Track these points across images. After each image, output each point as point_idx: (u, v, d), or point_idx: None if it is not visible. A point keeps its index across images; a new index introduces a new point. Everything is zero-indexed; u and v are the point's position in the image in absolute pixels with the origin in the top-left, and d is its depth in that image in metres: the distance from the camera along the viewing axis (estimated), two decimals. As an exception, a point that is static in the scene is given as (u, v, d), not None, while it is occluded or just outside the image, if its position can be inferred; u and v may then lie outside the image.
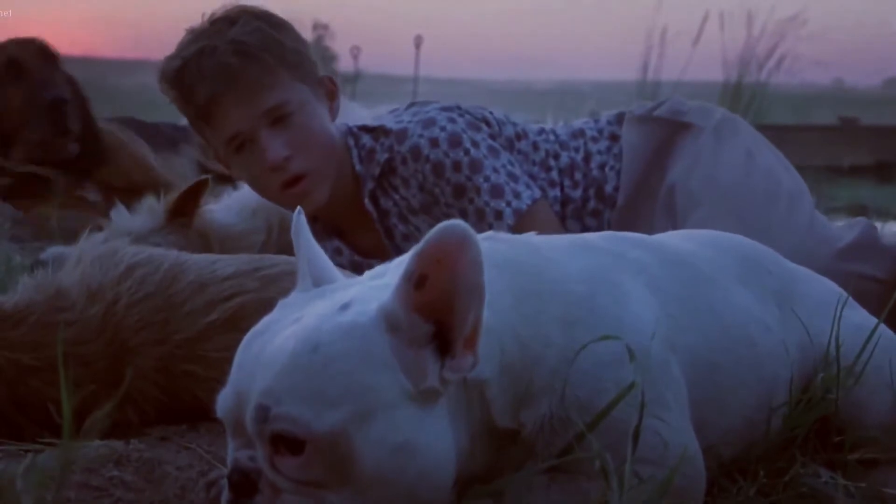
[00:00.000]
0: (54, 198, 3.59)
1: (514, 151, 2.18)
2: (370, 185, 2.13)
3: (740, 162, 2.17)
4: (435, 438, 1.04)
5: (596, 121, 2.34)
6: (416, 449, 1.02)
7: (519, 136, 2.21)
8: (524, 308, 1.14)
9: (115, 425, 1.39)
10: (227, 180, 2.86)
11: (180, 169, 3.83)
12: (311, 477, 1.01)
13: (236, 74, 1.99)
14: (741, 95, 9.10)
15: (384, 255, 2.20)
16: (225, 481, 1.07)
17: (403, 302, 1.02)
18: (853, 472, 1.32)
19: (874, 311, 1.55)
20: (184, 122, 2.41)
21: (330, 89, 2.14)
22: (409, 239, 2.17)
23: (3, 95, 3.57)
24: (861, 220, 2.20)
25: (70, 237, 2.64)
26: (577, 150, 2.25)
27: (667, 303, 1.26)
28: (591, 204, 2.21)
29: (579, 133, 2.28)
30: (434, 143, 2.06)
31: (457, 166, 2.06)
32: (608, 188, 2.21)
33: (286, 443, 1.00)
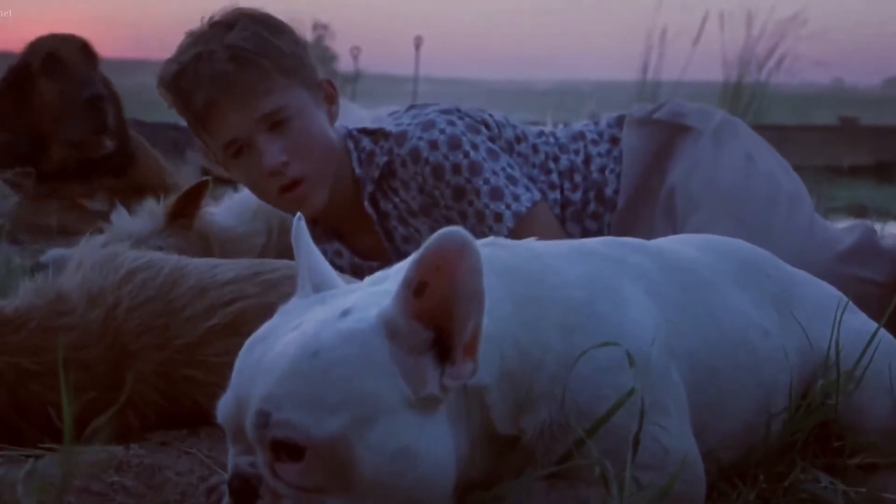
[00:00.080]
0: (54, 202, 3.58)
1: (513, 154, 2.18)
2: (370, 187, 2.13)
3: (740, 165, 2.17)
4: (435, 445, 1.04)
5: (596, 123, 2.34)
6: (416, 455, 1.02)
7: (518, 139, 2.21)
8: (524, 314, 1.14)
9: (115, 430, 1.39)
10: (227, 182, 2.86)
11: (186, 177, 3.81)
12: (312, 483, 1.01)
13: (233, 80, 1.99)
14: (741, 95, 9.11)
15: (384, 258, 2.20)
16: (225, 487, 1.07)
17: (403, 309, 1.02)
18: (853, 476, 1.32)
19: (873, 315, 1.55)
20: (184, 123, 2.42)
21: (329, 93, 2.14)
22: (409, 241, 2.17)
23: (39, 88, 3.55)
24: (861, 223, 2.21)
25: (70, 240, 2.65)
26: (576, 152, 2.25)
27: (666, 308, 1.26)
28: (591, 207, 2.21)
29: (579, 136, 2.28)
30: (433, 145, 2.06)
31: (456, 169, 2.06)
32: (608, 191, 2.21)
33: (286, 449, 1.01)
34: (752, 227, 2.04)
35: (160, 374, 1.51)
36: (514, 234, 2.03)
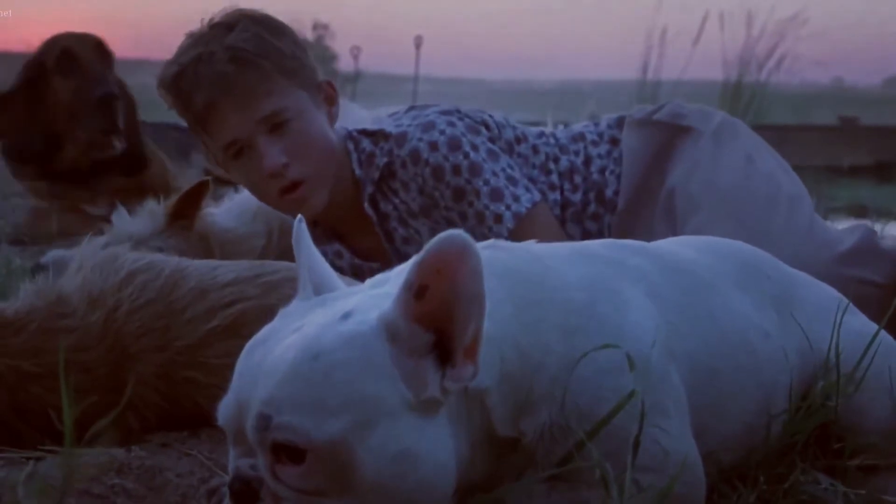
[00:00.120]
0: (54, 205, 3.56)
1: (513, 155, 2.18)
2: (370, 188, 2.13)
3: (740, 166, 2.17)
4: (435, 447, 1.04)
5: (596, 124, 2.34)
6: (417, 458, 1.02)
7: (519, 140, 2.21)
8: (524, 317, 1.15)
9: (116, 431, 1.39)
10: (229, 183, 2.85)
11: (190, 179, 3.78)
12: (312, 486, 1.01)
13: (233, 82, 1.99)
14: (741, 95, 9.11)
15: (384, 259, 2.20)
16: (226, 489, 1.07)
17: (404, 312, 1.02)
18: (853, 478, 1.32)
19: (873, 316, 1.55)
20: (185, 124, 2.41)
21: (329, 94, 2.14)
22: (410, 242, 2.17)
23: (53, 86, 3.51)
24: (861, 224, 2.21)
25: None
26: (577, 153, 2.25)
27: (666, 310, 1.26)
28: (592, 208, 2.21)
29: (579, 137, 2.29)
30: (433, 146, 2.06)
31: (456, 170, 2.06)
32: (608, 192, 2.21)
33: (287, 452, 1.01)
34: (752, 227, 2.04)
35: (161, 376, 1.52)
36: (514, 234, 2.03)
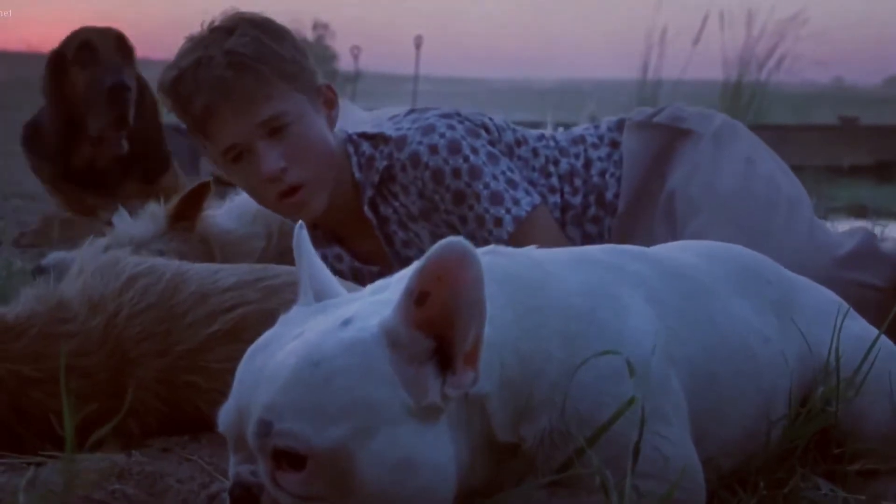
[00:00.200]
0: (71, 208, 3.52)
1: (513, 157, 2.18)
2: (369, 192, 2.13)
3: (740, 169, 2.17)
4: (436, 454, 1.04)
5: (596, 127, 2.34)
6: (417, 464, 1.02)
7: (519, 142, 2.21)
8: (525, 322, 1.15)
9: (117, 437, 1.39)
10: (231, 184, 2.83)
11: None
12: (313, 492, 1.02)
13: (232, 86, 1.99)
14: (741, 95, 9.12)
15: (384, 262, 2.20)
16: (226, 495, 1.08)
17: (404, 318, 1.03)
18: (853, 483, 1.33)
19: (873, 319, 1.55)
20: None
21: (329, 98, 2.14)
22: (409, 245, 2.17)
23: (72, 79, 3.43)
24: (860, 227, 2.21)
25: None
26: (577, 156, 2.25)
27: (666, 315, 1.26)
28: (592, 210, 2.21)
29: (579, 139, 2.29)
30: (433, 149, 2.06)
31: (456, 173, 2.06)
32: (608, 195, 2.21)
33: (288, 458, 1.01)
34: (751, 230, 2.04)
35: (161, 381, 1.51)
36: (515, 238, 2.03)
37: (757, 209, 2.11)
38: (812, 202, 2.22)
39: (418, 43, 11.42)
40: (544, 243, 2.02)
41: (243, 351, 1.11)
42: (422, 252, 2.12)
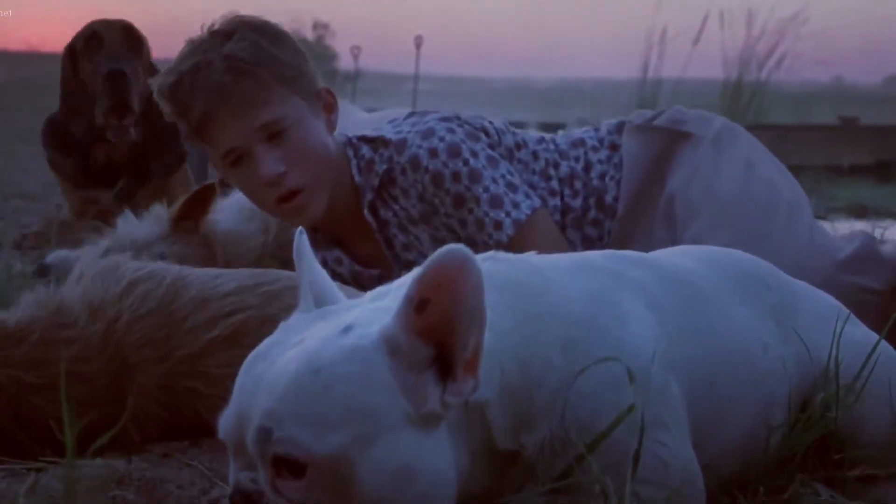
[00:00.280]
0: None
1: (513, 161, 2.18)
2: (369, 195, 2.13)
3: (740, 172, 2.17)
4: (436, 461, 1.04)
5: (596, 130, 2.34)
6: (417, 472, 1.02)
7: (518, 146, 2.21)
8: (525, 329, 1.15)
9: (117, 442, 1.39)
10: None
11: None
12: (313, 499, 1.02)
13: (230, 91, 1.98)
14: (741, 94, 9.12)
15: (384, 265, 2.20)
16: (227, 501, 1.08)
17: (404, 326, 1.03)
18: (852, 489, 1.33)
19: (872, 323, 1.55)
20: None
21: (328, 102, 2.14)
22: (409, 249, 2.17)
23: (81, 71, 3.40)
24: (860, 231, 2.21)
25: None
26: (577, 159, 2.25)
27: (666, 321, 1.26)
28: (592, 213, 2.21)
29: (579, 142, 2.29)
30: (433, 153, 2.06)
31: (456, 177, 2.06)
32: (608, 198, 2.21)
33: (288, 465, 1.01)
34: (751, 234, 2.04)
35: (161, 387, 1.51)
36: (515, 241, 2.03)
37: (757, 212, 2.11)
38: (812, 202, 2.23)
39: (418, 43, 11.42)
40: (544, 246, 2.03)
41: (243, 356, 1.11)
42: (422, 255, 2.14)
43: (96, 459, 1.32)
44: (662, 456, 1.15)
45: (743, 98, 9.07)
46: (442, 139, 2.07)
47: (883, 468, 1.37)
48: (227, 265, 2.40)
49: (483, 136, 2.12)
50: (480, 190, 2.06)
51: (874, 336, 1.46)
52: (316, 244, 2.22)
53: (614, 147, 2.27)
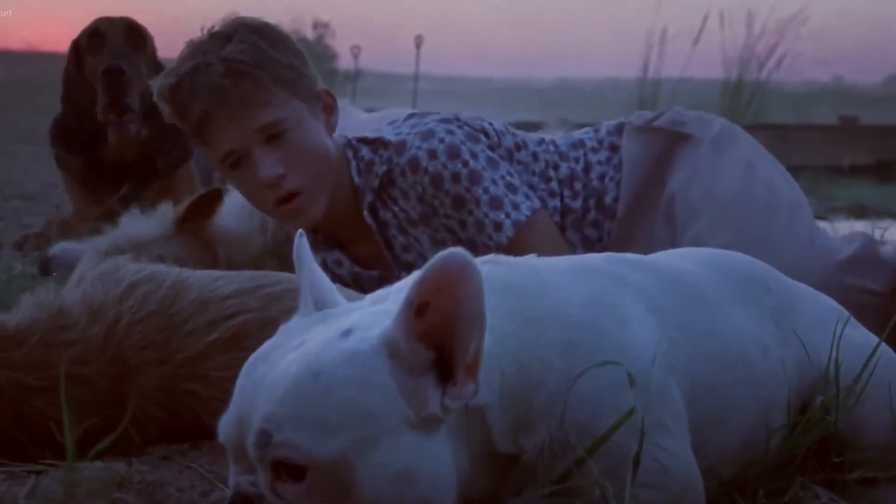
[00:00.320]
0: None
1: (513, 162, 2.18)
2: (369, 197, 2.13)
3: (740, 173, 2.17)
4: (436, 465, 1.04)
5: (596, 131, 2.34)
6: (417, 476, 1.03)
7: (518, 147, 2.21)
8: (525, 333, 1.15)
9: (117, 445, 1.39)
10: None
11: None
12: (313, 503, 1.02)
13: (229, 93, 1.98)
14: (741, 94, 9.13)
15: (384, 266, 2.20)
16: (227, 504, 1.08)
17: (405, 330, 1.03)
18: (852, 491, 1.33)
19: (872, 324, 1.55)
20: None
21: (328, 104, 2.13)
22: (409, 250, 2.17)
23: (86, 66, 3.38)
24: (860, 232, 2.21)
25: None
26: (576, 160, 2.25)
27: (666, 324, 1.26)
28: (591, 214, 2.21)
29: (579, 143, 2.28)
30: (433, 154, 2.06)
31: (455, 178, 2.06)
32: (608, 199, 2.21)
33: (287, 469, 1.01)
34: (751, 235, 2.04)
35: (161, 389, 1.52)
36: (514, 242, 2.03)
37: (757, 213, 2.11)
38: (812, 202, 2.23)
39: (419, 43, 11.43)
40: (544, 248, 2.03)
41: (244, 359, 1.11)
42: (422, 256, 2.14)
43: (96, 462, 1.32)
44: (662, 460, 1.15)
45: (743, 98, 9.08)
46: (441, 141, 2.07)
47: (883, 471, 1.37)
48: (228, 262, 2.42)
49: (483, 137, 2.12)
50: (480, 191, 2.06)
51: (874, 339, 1.46)
52: (316, 245, 2.22)
53: (614, 148, 2.27)
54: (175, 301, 1.55)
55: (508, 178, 2.10)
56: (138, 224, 2.45)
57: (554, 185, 2.20)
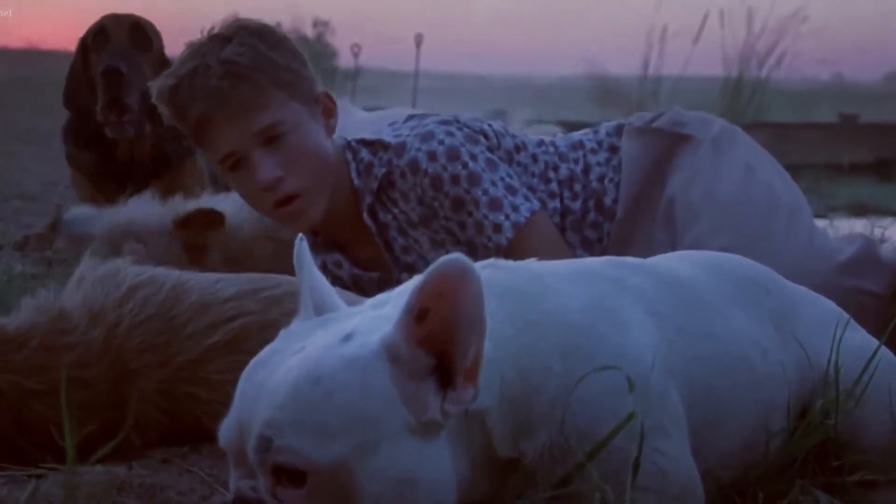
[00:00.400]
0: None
1: (513, 164, 2.18)
2: (368, 199, 2.13)
3: (739, 174, 2.17)
4: (436, 470, 1.04)
5: (595, 132, 2.34)
6: (417, 481, 1.03)
7: (518, 148, 2.21)
8: (524, 337, 1.15)
9: (118, 448, 1.39)
10: None
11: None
12: (313, 508, 1.02)
13: (227, 96, 1.98)
14: (742, 92, 9.13)
15: (384, 268, 2.20)
16: (227, 509, 1.08)
17: (405, 335, 1.03)
18: (852, 494, 1.33)
19: (872, 326, 1.55)
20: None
21: (327, 106, 2.13)
22: (409, 252, 2.17)
23: (91, 64, 3.39)
24: (860, 234, 2.21)
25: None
26: (576, 161, 2.25)
27: (665, 327, 1.27)
28: (591, 216, 2.21)
29: (578, 145, 2.28)
30: (432, 156, 2.06)
31: (455, 179, 2.06)
32: (607, 200, 2.21)
33: (288, 474, 1.01)
34: (751, 236, 2.04)
35: (162, 392, 1.52)
36: (514, 244, 2.03)
37: (757, 215, 2.11)
38: (812, 201, 2.22)
39: (419, 41, 11.41)
40: (543, 249, 2.03)
41: (244, 362, 1.11)
42: (421, 258, 2.14)
43: (96, 466, 1.32)
44: (662, 464, 1.15)
45: (743, 96, 9.08)
46: (441, 142, 2.07)
47: (883, 474, 1.37)
48: (223, 247, 2.44)
49: (482, 139, 2.12)
50: (479, 193, 2.05)
51: (874, 341, 1.46)
52: (315, 248, 2.22)
53: (613, 149, 2.27)
54: (175, 304, 1.55)
55: (508, 179, 2.10)
56: (143, 209, 2.47)
57: (554, 186, 2.20)
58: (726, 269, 1.47)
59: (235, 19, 2.08)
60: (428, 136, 2.08)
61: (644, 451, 1.12)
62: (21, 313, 1.54)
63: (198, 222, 2.45)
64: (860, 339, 1.48)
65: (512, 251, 2.02)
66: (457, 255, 1.00)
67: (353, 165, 2.13)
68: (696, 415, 1.25)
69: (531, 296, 1.20)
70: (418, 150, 2.07)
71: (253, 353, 1.12)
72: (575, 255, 2.17)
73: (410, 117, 2.21)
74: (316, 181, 2.06)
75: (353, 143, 2.15)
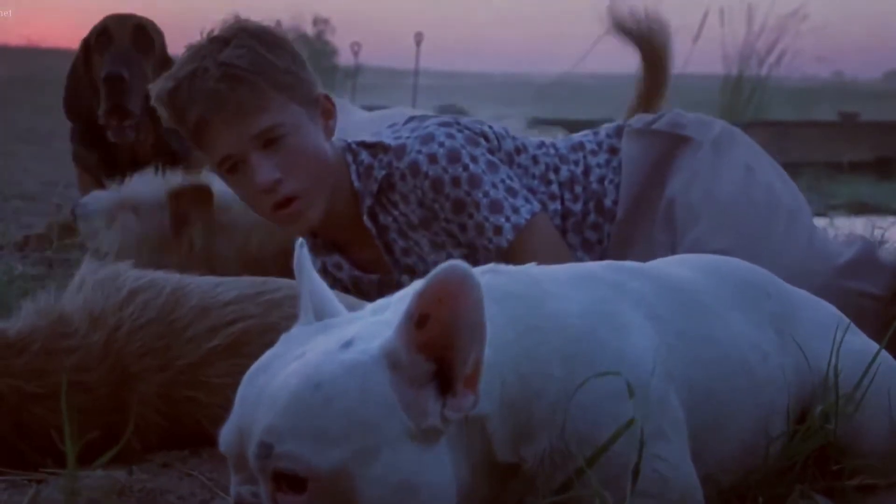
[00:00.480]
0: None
1: (513, 165, 2.18)
2: (368, 201, 2.13)
3: (739, 176, 2.17)
4: (436, 476, 1.04)
5: (595, 133, 2.34)
6: (418, 487, 1.03)
7: (518, 150, 2.21)
8: (525, 342, 1.15)
9: (118, 453, 1.39)
10: None
11: None
12: (314, 514, 1.02)
13: (225, 98, 1.98)
14: (741, 90, 9.13)
15: (384, 270, 2.20)
16: (228, 515, 1.08)
17: (405, 341, 1.03)
18: (852, 499, 1.33)
19: (872, 328, 1.55)
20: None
21: (327, 108, 2.13)
22: (409, 254, 2.17)
23: (93, 65, 3.39)
24: (860, 235, 2.21)
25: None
26: (576, 163, 2.25)
27: (665, 331, 1.27)
28: (591, 217, 2.21)
29: (579, 146, 2.28)
30: (432, 158, 2.06)
31: (455, 182, 2.06)
32: (607, 201, 2.21)
33: (288, 480, 1.01)
34: (751, 238, 2.04)
35: (162, 396, 1.52)
36: (515, 246, 2.03)
37: (756, 216, 2.11)
38: (812, 199, 2.22)
39: (419, 40, 11.41)
40: (544, 251, 2.03)
41: (244, 365, 1.11)
42: (421, 260, 2.14)
43: (97, 470, 1.32)
44: (661, 469, 1.15)
45: (743, 94, 9.08)
46: (441, 144, 2.07)
47: (882, 478, 1.37)
48: (223, 228, 2.48)
49: (482, 140, 2.12)
50: (480, 195, 2.06)
51: (874, 345, 1.46)
52: (315, 250, 2.22)
53: (613, 151, 2.27)
54: (175, 307, 1.55)
55: (508, 181, 2.10)
56: (145, 183, 2.53)
57: (554, 188, 2.20)
58: (725, 272, 1.47)
59: (235, 21, 2.07)
60: (428, 139, 2.08)
61: (644, 456, 1.12)
62: (21, 317, 1.54)
63: (189, 196, 2.46)
64: (860, 342, 1.48)
65: (512, 253, 2.02)
66: (457, 262, 1.00)
67: (353, 167, 2.13)
68: (695, 419, 1.25)
69: (531, 300, 1.20)
70: (419, 152, 2.07)
71: (253, 356, 1.12)
72: (575, 257, 2.17)
73: (410, 119, 2.21)
74: (315, 183, 2.05)
75: (353, 146, 2.15)
